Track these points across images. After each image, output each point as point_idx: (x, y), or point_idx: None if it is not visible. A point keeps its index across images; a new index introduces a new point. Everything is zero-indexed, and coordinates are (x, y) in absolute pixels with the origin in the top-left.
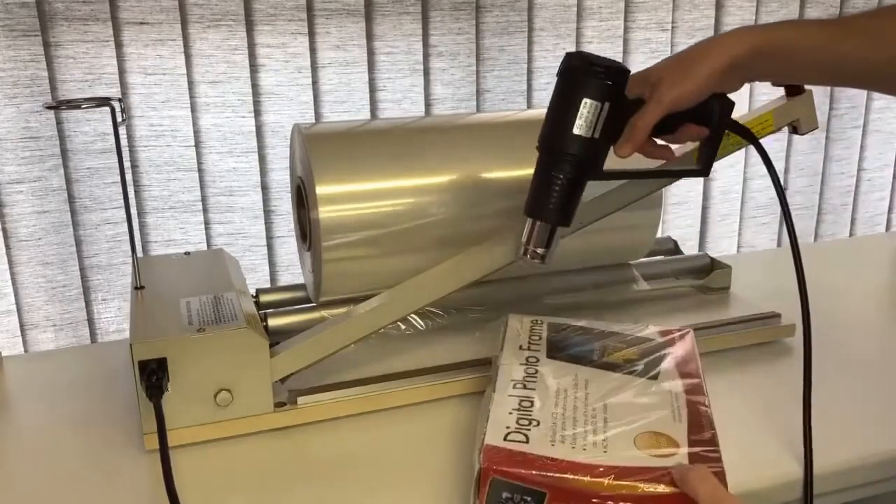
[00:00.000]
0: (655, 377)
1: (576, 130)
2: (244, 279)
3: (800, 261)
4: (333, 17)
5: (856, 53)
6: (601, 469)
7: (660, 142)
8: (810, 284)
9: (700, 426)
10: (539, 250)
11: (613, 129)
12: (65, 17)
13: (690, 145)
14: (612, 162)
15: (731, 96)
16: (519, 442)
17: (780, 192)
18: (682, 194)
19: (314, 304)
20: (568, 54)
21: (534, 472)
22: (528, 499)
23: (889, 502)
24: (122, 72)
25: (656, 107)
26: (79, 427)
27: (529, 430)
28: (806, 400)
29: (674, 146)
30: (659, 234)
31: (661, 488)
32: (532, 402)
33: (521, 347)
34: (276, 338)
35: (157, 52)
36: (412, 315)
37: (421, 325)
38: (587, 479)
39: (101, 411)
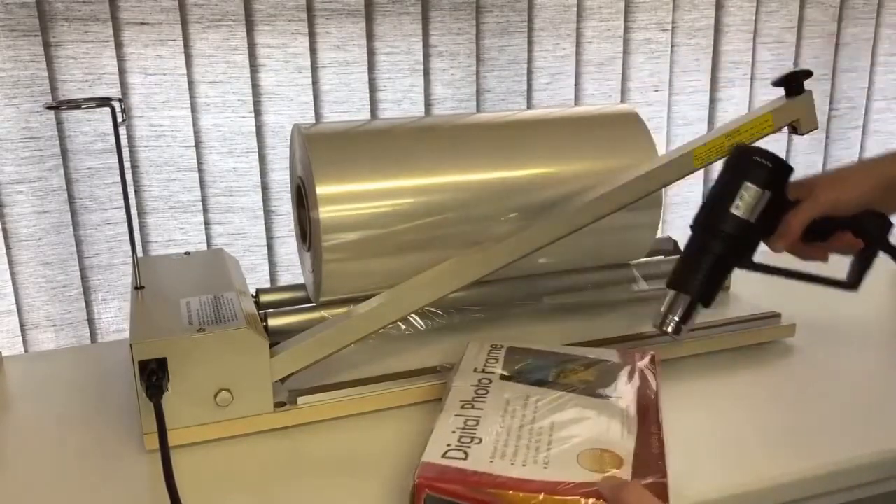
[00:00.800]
0: (608, 396)
1: (734, 210)
2: (244, 279)
3: None
4: (333, 18)
5: None
6: (536, 485)
7: None
8: (810, 285)
9: (648, 444)
10: (678, 323)
11: (770, 222)
12: (65, 17)
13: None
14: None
15: None
16: (457, 458)
17: None
18: (683, 194)
19: (314, 304)
20: (737, 146)
21: (467, 487)
22: None
23: (889, 502)
24: (122, 72)
25: (812, 206)
26: (79, 427)
27: (470, 447)
28: None
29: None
30: (659, 234)
31: (579, 501)
32: (477, 422)
33: (475, 370)
34: (276, 338)
35: (157, 52)
36: (412, 315)
37: (421, 325)
38: (521, 494)
39: (101, 411)
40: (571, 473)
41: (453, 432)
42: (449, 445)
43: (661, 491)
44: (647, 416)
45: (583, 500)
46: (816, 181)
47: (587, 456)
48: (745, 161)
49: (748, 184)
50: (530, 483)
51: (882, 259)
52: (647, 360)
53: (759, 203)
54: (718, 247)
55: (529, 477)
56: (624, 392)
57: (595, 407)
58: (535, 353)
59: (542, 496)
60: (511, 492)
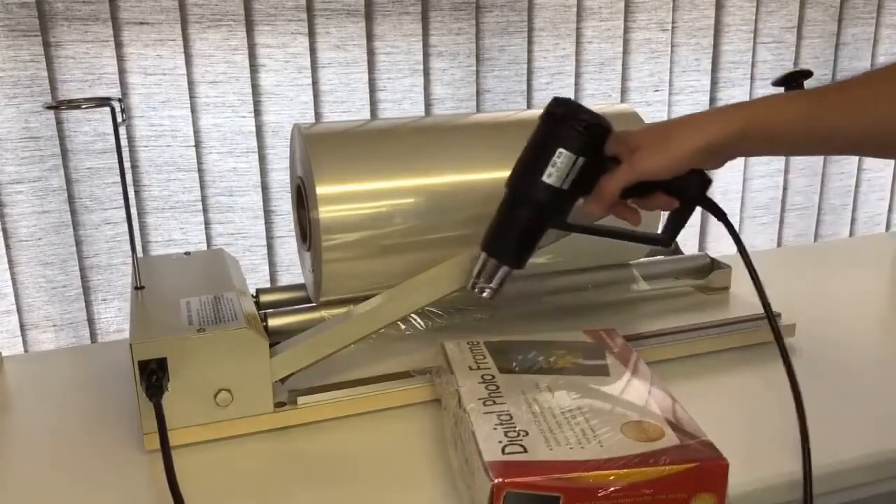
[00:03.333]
0: (607, 373)
1: (545, 178)
2: (244, 279)
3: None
4: (333, 17)
5: (838, 129)
6: (605, 463)
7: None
8: (810, 284)
9: (673, 409)
10: (489, 287)
11: (585, 182)
12: (65, 17)
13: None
14: None
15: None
16: (518, 453)
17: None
18: None
19: (314, 304)
20: (555, 99)
21: (544, 478)
22: None
23: (889, 502)
24: (122, 72)
25: (627, 173)
26: (78, 427)
27: (522, 441)
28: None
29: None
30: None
31: (669, 469)
32: (511, 416)
33: (470, 368)
34: (276, 338)
35: (157, 52)
36: (412, 315)
37: (421, 325)
38: (595, 473)
39: (101, 411)
40: (628, 446)
41: (495, 429)
42: (501, 442)
43: (710, 449)
44: (654, 384)
45: (657, 468)
46: (637, 142)
47: (630, 428)
48: (560, 127)
49: (561, 150)
50: (599, 462)
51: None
52: (615, 336)
53: (573, 169)
54: (530, 213)
55: (594, 457)
56: (618, 367)
57: (603, 384)
58: (515, 345)
59: (615, 472)
60: (586, 473)
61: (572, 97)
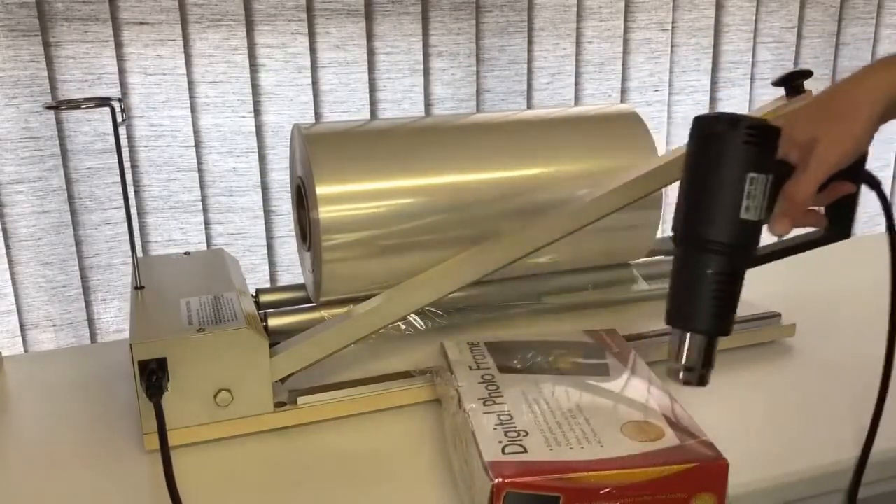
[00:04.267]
0: (607, 373)
1: (744, 215)
2: (244, 279)
3: None
4: (333, 17)
5: None
6: (605, 463)
7: None
8: (810, 284)
9: (672, 409)
10: (700, 371)
11: (772, 207)
12: (65, 17)
13: None
14: None
15: None
16: (518, 453)
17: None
18: None
19: (314, 304)
20: (703, 119)
21: (545, 478)
22: None
23: (889, 502)
24: (122, 72)
25: (821, 170)
26: (79, 427)
27: (522, 441)
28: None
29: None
30: (659, 234)
31: (669, 469)
32: (511, 416)
33: (470, 368)
34: (276, 338)
35: (157, 52)
36: (412, 315)
37: (421, 325)
38: (595, 473)
39: (101, 411)
40: (628, 446)
41: (495, 429)
42: (501, 442)
43: (710, 449)
44: (654, 384)
45: (657, 468)
46: (810, 134)
47: (630, 428)
48: (735, 146)
49: (752, 174)
50: (599, 462)
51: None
52: (615, 336)
53: (768, 192)
54: (728, 264)
55: (594, 457)
56: (618, 367)
57: (603, 384)
58: (515, 345)
59: (615, 472)
60: (586, 473)
61: (572, 97)
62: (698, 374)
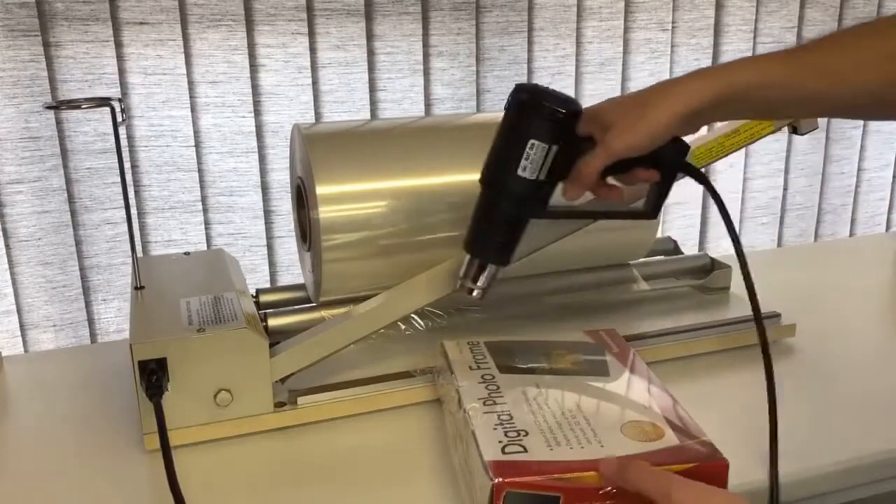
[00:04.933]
0: (607, 374)
1: (520, 172)
2: (244, 279)
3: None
4: (333, 17)
5: (816, 94)
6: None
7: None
8: (810, 284)
9: (674, 410)
10: (477, 287)
11: (562, 168)
12: (65, 17)
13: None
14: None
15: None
16: (518, 453)
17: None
18: (683, 194)
19: (314, 304)
20: (518, 87)
21: (544, 477)
22: None
23: (889, 502)
24: (122, 72)
25: (604, 153)
26: (79, 427)
27: (522, 440)
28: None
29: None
30: (659, 234)
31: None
32: (511, 416)
33: (470, 368)
34: (276, 338)
35: (157, 52)
36: (412, 315)
37: (421, 325)
38: (595, 473)
39: (101, 411)
40: (628, 446)
41: (495, 429)
42: (501, 442)
43: (710, 449)
44: (654, 384)
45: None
46: (610, 118)
47: (630, 428)
48: (529, 117)
49: (534, 141)
50: (599, 462)
51: (882, 259)
52: (615, 336)
53: (548, 159)
54: (508, 207)
55: (594, 457)
56: (618, 367)
57: (603, 384)
58: (516, 345)
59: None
60: (586, 473)
61: (573, 96)
62: (481, 292)
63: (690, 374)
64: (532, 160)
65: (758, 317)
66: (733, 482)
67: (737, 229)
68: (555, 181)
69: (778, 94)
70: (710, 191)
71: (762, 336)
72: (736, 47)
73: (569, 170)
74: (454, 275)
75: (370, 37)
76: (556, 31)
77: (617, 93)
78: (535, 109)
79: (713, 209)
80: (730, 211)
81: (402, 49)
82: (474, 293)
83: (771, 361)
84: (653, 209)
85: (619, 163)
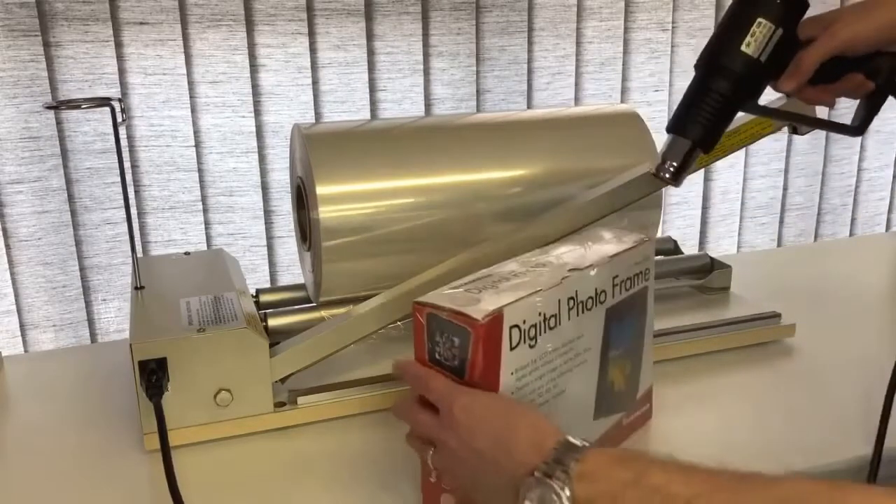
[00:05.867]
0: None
1: (744, 48)
2: (244, 279)
3: None
4: (333, 17)
5: None
6: None
7: None
8: (810, 284)
9: None
10: (674, 166)
11: (779, 62)
12: (65, 17)
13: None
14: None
15: None
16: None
17: None
18: (683, 194)
19: (314, 304)
20: None
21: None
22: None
23: None
24: (122, 72)
25: (828, 42)
26: (79, 427)
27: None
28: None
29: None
30: (659, 234)
31: None
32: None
33: None
34: (276, 338)
35: (157, 52)
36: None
37: None
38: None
39: (101, 411)
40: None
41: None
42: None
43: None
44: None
45: None
46: (835, 16)
47: None
48: None
49: (761, 19)
50: None
51: (882, 259)
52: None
53: (771, 41)
54: (724, 86)
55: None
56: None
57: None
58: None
59: None
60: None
61: (572, 97)
62: (677, 173)
63: (690, 374)
64: (757, 38)
65: None
66: None
67: (736, 229)
68: (771, 72)
69: None
70: None
71: None
72: None
73: (784, 66)
74: (463, 274)
75: (370, 37)
76: (556, 31)
77: (617, 93)
78: None
79: (713, 209)
80: (729, 211)
81: (402, 49)
82: (671, 173)
83: None
84: (862, 125)
85: (833, 68)
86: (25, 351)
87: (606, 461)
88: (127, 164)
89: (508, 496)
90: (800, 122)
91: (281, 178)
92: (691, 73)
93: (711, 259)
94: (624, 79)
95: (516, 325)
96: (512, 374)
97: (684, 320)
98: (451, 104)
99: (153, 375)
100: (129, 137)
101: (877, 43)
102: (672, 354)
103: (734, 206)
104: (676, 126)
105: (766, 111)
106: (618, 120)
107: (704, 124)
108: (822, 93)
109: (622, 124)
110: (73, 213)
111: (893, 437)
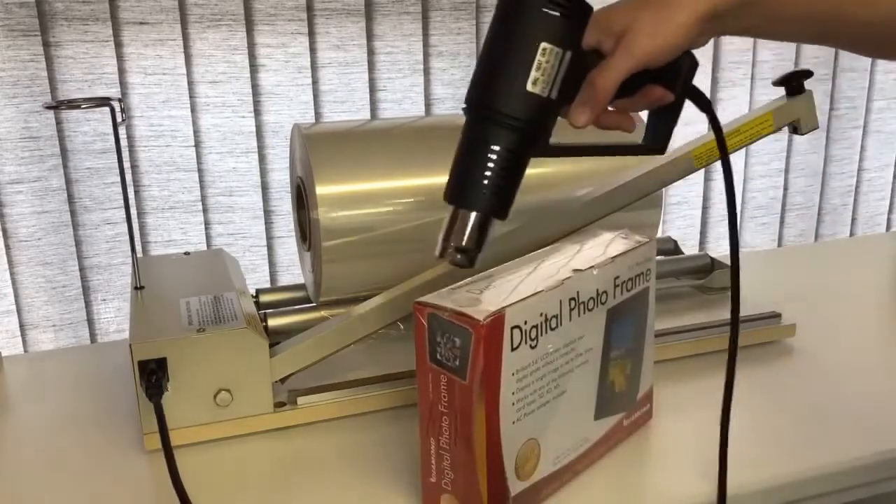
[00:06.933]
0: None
1: (530, 87)
2: (244, 279)
3: None
4: (333, 17)
5: (843, 11)
6: None
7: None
8: (810, 284)
9: None
10: (464, 248)
11: (570, 90)
12: (65, 17)
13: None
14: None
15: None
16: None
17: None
18: (682, 194)
19: (314, 304)
20: None
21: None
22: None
23: (889, 502)
24: (122, 72)
25: (625, 60)
26: (79, 427)
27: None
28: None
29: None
30: (659, 234)
31: None
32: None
33: None
34: (276, 338)
35: (157, 52)
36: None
37: None
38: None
39: (101, 411)
40: None
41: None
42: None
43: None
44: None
45: None
46: (627, 21)
47: None
48: (535, 13)
49: (545, 45)
50: None
51: (882, 259)
52: None
53: (562, 69)
54: (512, 139)
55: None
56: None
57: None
58: None
59: None
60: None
61: None
62: (471, 256)
63: (690, 374)
64: (544, 70)
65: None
66: (735, 481)
67: (738, 230)
68: (562, 104)
69: (804, 6)
70: (711, 118)
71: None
72: (736, 47)
73: (573, 92)
74: (462, 274)
75: (370, 37)
76: None
77: None
78: (543, 4)
79: (713, 209)
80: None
81: (402, 49)
82: (460, 257)
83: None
84: (663, 141)
85: (631, 82)
86: (25, 351)
87: None
88: (127, 164)
89: None
90: (595, 154)
91: (281, 178)
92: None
93: (711, 259)
94: None
95: (518, 326)
96: (513, 374)
97: (684, 320)
98: (451, 104)
99: (153, 375)
100: (129, 137)
101: (677, 51)
102: (672, 354)
103: None
104: (458, 197)
105: (558, 151)
106: None
107: (494, 190)
108: (618, 116)
109: None
110: (73, 213)
111: (892, 440)
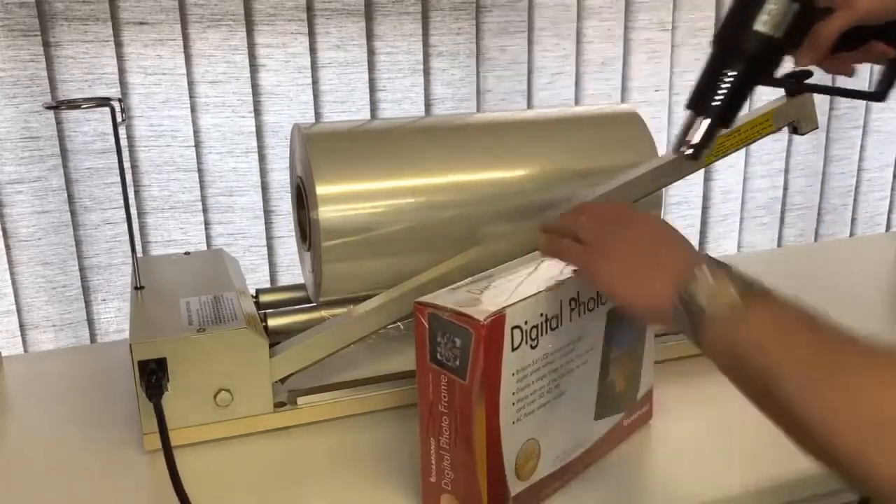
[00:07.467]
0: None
1: (757, 26)
2: (244, 279)
3: None
4: (333, 17)
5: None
6: None
7: None
8: (810, 284)
9: None
10: (697, 146)
11: (797, 35)
12: (65, 17)
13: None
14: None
15: None
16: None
17: None
18: (682, 194)
19: (314, 304)
20: None
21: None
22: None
23: None
24: (122, 72)
25: (847, 13)
26: (79, 427)
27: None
28: None
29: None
30: None
31: None
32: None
33: None
34: (276, 338)
35: (157, 52)
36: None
37: None
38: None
39: (101, 411)
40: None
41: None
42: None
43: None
44: None
45: None
46: None
47: None
48: None
49: None
50: None
51: (882, 259)
52: None
53: (787, 16)
54: (740, 66)
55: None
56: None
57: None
58: None
59: None
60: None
61: (573, 97)
62: (697, 151)
63: (690, 375)
64: (772, 14)
65: None
66: (734, 482)
67: (736, 229)
68: (789, 46)
69: None
70: None
71: None
72: None
73: (802, 38)
74: (462, 274)
75: (370, 37)
76: (557, 31)
77: (617, 93)
78: None
79: (713, 209)
80: (729, 211)
81: (402, 49)
82: (692, 153)
83: None
84: (884, 91)
85: (853, 36)
86: (25, 351)
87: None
88: (127, 164)
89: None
90: (817, 92)
91: (281, 178)
92: (692, 73)
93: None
94: (624, 79)
95: (518, 326)
96: (513, 374)
97: None
98: (451, 104)
99: (153, 375)
100: (129, 137)
101: (891, 10)
102: (672, 354)
103: (734, 206)
104: (695, 104)
105: (783, 83)
106: (618, 120)
107: (723, 105)
108: (841, 62)
109: (623, 124)
110: (73, 213)
111: None
